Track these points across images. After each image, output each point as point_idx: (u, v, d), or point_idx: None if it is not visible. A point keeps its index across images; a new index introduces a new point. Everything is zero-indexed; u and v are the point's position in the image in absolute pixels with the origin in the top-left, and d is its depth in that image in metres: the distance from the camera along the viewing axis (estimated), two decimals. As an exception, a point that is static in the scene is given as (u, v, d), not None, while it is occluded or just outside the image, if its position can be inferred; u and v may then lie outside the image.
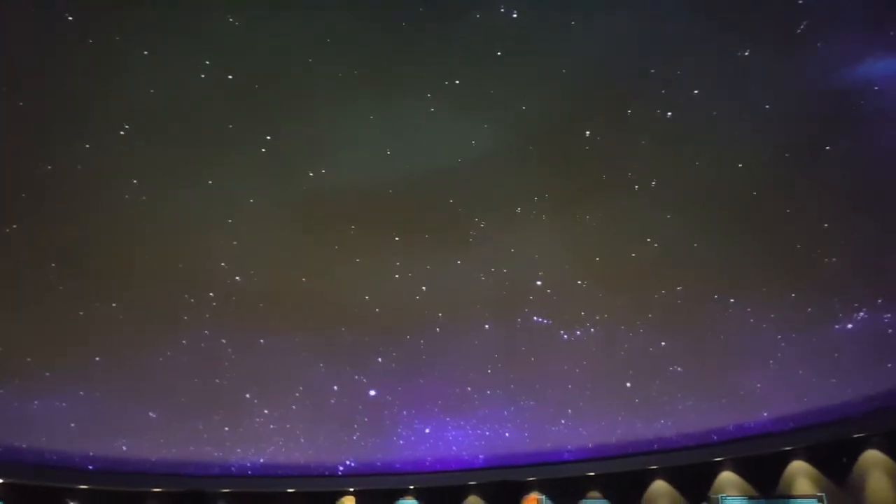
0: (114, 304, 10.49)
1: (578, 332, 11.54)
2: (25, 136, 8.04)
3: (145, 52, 8.10)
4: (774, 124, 8.05)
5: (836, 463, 11.28)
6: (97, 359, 11.13)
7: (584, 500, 13.57)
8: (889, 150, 7.60)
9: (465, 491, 14.42)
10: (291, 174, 9.84)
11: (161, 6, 7.77)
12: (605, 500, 13.41)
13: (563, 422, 12.53)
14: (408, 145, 9.71)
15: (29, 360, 10.58)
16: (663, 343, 10.80)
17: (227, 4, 8.14)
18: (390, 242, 10.85)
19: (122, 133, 8.79)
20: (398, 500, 14.55)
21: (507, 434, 13.30)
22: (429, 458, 13.65)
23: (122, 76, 8.35)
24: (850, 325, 9.87)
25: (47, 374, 10.86)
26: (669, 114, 7.73)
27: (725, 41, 7.50)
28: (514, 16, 8.23)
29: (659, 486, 12.89)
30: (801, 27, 6.81)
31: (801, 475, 11.56)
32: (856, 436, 10.91)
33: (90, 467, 12.48)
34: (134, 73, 8.41)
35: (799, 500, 11.43)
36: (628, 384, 11.53)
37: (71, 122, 8.43)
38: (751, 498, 11.93)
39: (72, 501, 12.71)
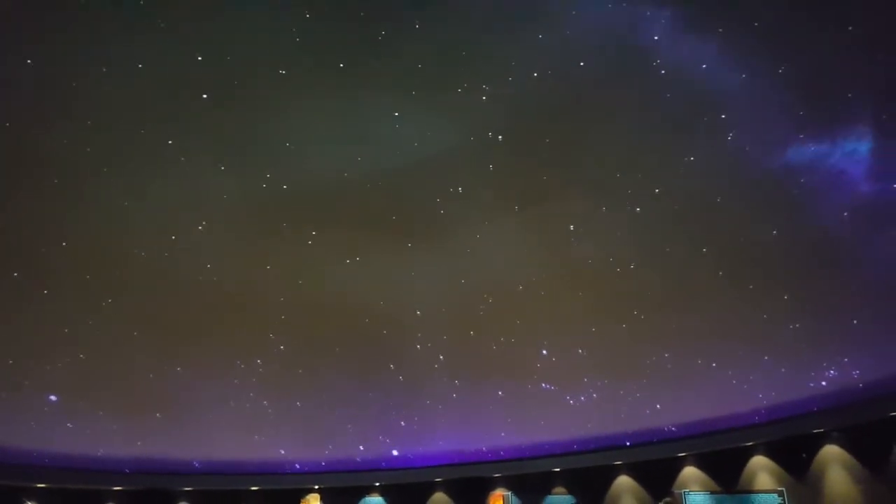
0: (71, 303, 10.32)
1: (543, 333, 11.54)
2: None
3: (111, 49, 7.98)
4: (723, 216, 8.71)
5: (795, 458, 11.34)
6: (54, 356, 10.94)
7: (549, 496, 13.54)
8: (826, 222, 8.22)
9: (431, 488, 14.34)
10: (256, 171, 9.74)
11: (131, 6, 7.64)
12: (570, 496, 13.40)
13: (527, 418, 12.50)
14: (375, 143, 9.65)
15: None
16: (630, 340, 10.82)
17: (196, 5, 8.05)
18: (356, 240, 10.78)
19: (87, 126, 8.66)
20: (363, 497, 14.45)
21: (472, 432, 13.26)
22: (394, 456, 13.57)
23: (89, 72, 8.22)
24: (823, 383, 10.13)
25: (5, 370, 10.65)
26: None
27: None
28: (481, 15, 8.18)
29: (623, 481, 12.89)
30: (731, 135, 7.82)
31: (761, 470, 11.61)
32: (815, 431, 10.97)
33: (48, 465, 12.24)
34: (101, 69, 8.28)
35: (760, 494, 11.48)
36: (595, 382, 11.53)
37: (37, 118, 8.25)
38: (713, 493, 11.96)
39: (29, 501, 12.46)
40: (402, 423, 13.08)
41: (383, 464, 13.72)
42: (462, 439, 13.06)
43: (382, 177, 9.96)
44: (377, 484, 14.33)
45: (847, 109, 7.28)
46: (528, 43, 7.74)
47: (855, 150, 7.53)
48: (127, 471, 12.94)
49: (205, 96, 8.77)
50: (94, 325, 10.76)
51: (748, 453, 11.76)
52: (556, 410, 11.93)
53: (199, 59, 8.40)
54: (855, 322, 9.20)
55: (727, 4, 6.98)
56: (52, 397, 11.21)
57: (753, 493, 11.55)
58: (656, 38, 7.36)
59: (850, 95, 7.13)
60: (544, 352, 11.51)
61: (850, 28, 6.66)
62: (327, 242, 10.67)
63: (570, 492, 13.43)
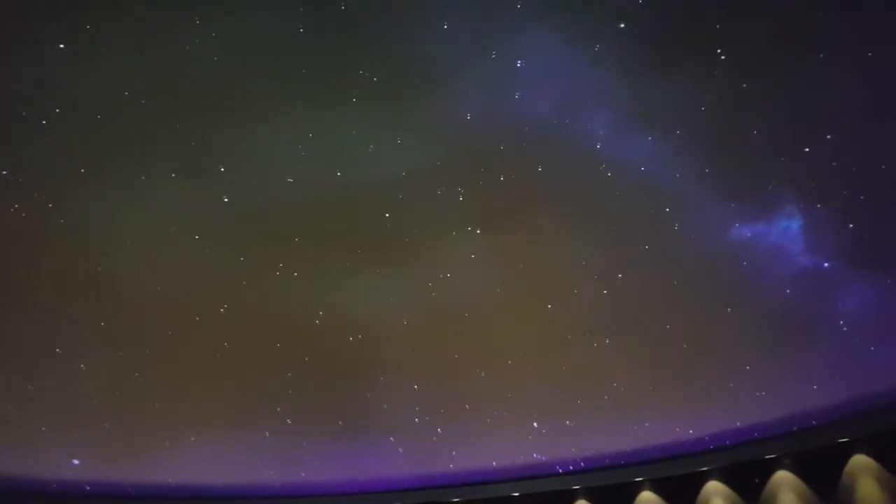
0: (21, 314, 10.07)
1: (508, 352, 11.52)
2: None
3: (62, 46, 7.85)
4: (682, 296, 9.65)
5: (748, 483, 11.45)
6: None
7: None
8: (775, 296, 9.16)
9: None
10: (215, 186, 9.66)
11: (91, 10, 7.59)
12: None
13: (483, 442, 12.43)
14: (340, 160, 9.64)
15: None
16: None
17: (160, 19, 8.03)
18: (320, 257, 10.70)
19: (36, 139, 8.53)
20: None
21: (438, 453, 13.13)
22: (352, 480, 13.38)
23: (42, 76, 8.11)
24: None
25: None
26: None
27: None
28: (446, 28, 8.22)
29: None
30: (677, 225, 8.72)
31: (715, 495, 11.69)
32: (767, 457, 11.12)
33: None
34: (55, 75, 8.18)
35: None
36: (545, 410, 11.51)
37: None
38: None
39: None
40: (367, 443, 12.93)
41: (349, 487, 13.52)
42: (418, 460, 12.94)
43: (346, 193, 9.94)
44: (336, 508, 14.10)
45: (773, 196, 8.30)
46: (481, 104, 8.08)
47: (788, 228, 8.55)
48: (74, 494, 12.57)
49: (163, 110, 8.70)
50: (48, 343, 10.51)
51: (702, 478, 11.85)
52: (512, 436, 11.91)
53: (162, 73, 8.35)
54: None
55: (655, 110, 7.85)
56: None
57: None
58: (600, 133, 8.27)
59: (770, 188, 8.25)
60: (508, 374, 11.48)
61: (755, 132, 7.72)
62: (288, 259, 10.60)
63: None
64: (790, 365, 9.92)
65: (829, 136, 7.52)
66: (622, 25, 7.24)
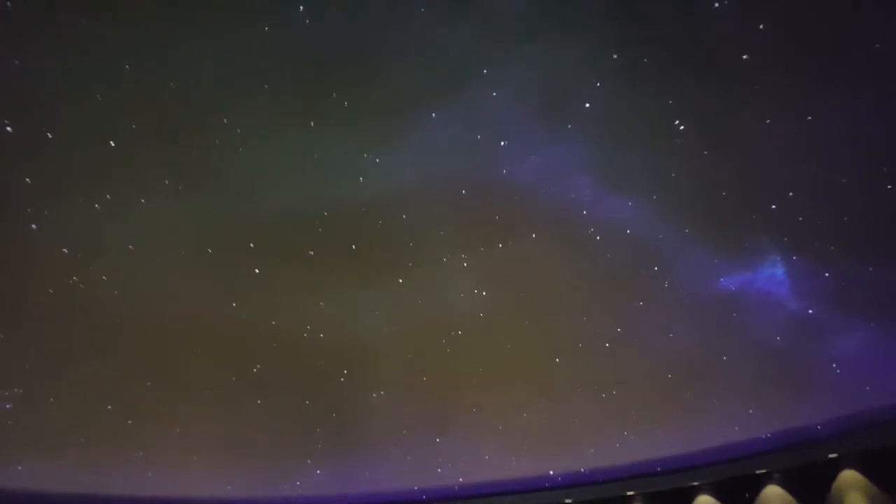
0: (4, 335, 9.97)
1: (502, 369, 11.47)
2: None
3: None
4: (676, 347, 10.06)
5: (738, 498, 11.47)
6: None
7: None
8: (767, 344, 9.64)
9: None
10: (206, 202, 9.60)
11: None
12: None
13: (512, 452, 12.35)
14: (332, 179, 9.58)
15: None
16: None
17: (154, 38, 7.98)
18: (307, 273, 10.63)
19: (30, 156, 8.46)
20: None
21: (423, 470, 13.08)
22: (342, 495, 13.32)
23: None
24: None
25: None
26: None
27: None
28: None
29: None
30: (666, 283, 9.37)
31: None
32: (758, 472, 11.13)
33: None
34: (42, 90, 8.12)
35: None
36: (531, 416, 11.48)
37: None
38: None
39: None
40: (358, 458, 12.87)
41: (338, 500, 13.45)
42: (402, 469, 12.89)
43: (336, 211, 9.87)
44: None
45: (752, 249, 8.79)
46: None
47: (773, 274, 8.93)
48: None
49: (157, 128, 8.65)
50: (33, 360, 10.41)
51: (692, 494, 11.85)
52: (501, 449, 11.89)
53: (154, 86, 8.30)
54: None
55: (631, 177, 8.43)
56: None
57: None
58: (585, 199, 8.78)
59: (746, 244, 8.77)
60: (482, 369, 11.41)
61: (723, 193, 8.22)
62: (280, 275, 10.53)
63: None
64: (785, 407, 10.31)
65: (791, 194, 8.00)
66: (587, 105, 7.79)
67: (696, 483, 11.65)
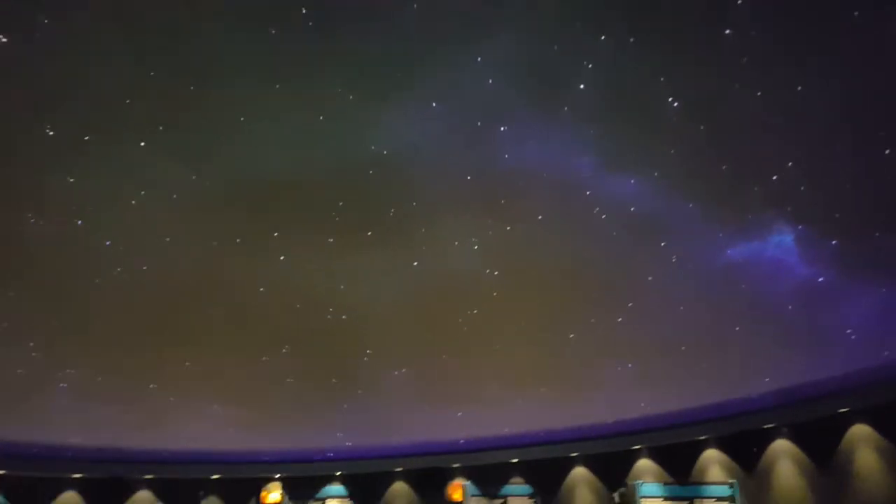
0: (11, 293, 10.19)
1: (499, 325, 11.50)
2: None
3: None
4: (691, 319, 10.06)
5: (746, 451, 11.48)
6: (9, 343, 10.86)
7: (506, 486, 13.67)
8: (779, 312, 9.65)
9: (391, 478, 14.46)
10: (211, 164, 9.57)
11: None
12: (527, 486, 13.54)
13: (485, 409, 12.56)
14: (334, 138, 9.47)
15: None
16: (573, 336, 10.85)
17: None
18: (314, 238, 10.64)
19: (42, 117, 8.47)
20: (325, 486, 14.54)
21: (432, 422, 13.32)
22: (353, 446, 13.64)
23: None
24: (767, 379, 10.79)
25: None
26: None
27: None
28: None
29: (579, 472, 13.03)
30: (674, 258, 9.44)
31: (713, 463, 11.76)
32: (766, 426, 11.11)
33: (4, 453, 12.25)
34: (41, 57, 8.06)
35: (712, 486, 11.62)
36: (550, 378, 11.58)
37: None
38: (666, 483, 12.10)
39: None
40: (361, 413, 13.12)
41: (344, 454, 13.79)
42: (421, 430, 13.13)
43: (340, 172, 9.81)
44: (338, 473, 14.43)
45: (757, 220, 8.76)
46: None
47: (782, 241, 8.88)
48: (88, 459, 12.99)
49: (160, 86, 8.56)
50: (47, 318, 10.66)
51: (701, 447, 11.90)
52: (514, 404, 11.99)
53: (157, 47, 8.19)
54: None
55: (630, 154, 8.46)
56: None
57: (705, 484, 11.70)
58: (587, 177, 8.81)
59: (750, 216, 8.75)
60: (498, 346, 11.51)
61: (723, 167, 8.20)
62: (285, 238, 10.55)
63: (527, 482, 13.57)
64: (797, 368, 10.29)
65: (789, 164, 7.94)
66: (581, 87, 7.89)
67: (703, 437, 11.69)
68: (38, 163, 8.87)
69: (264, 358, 12.03)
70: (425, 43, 7.79)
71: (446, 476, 14.09)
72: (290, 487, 14.32)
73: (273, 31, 8.32)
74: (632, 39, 7.23)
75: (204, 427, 13.10)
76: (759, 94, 7.40)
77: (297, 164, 9.53)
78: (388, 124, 8.66)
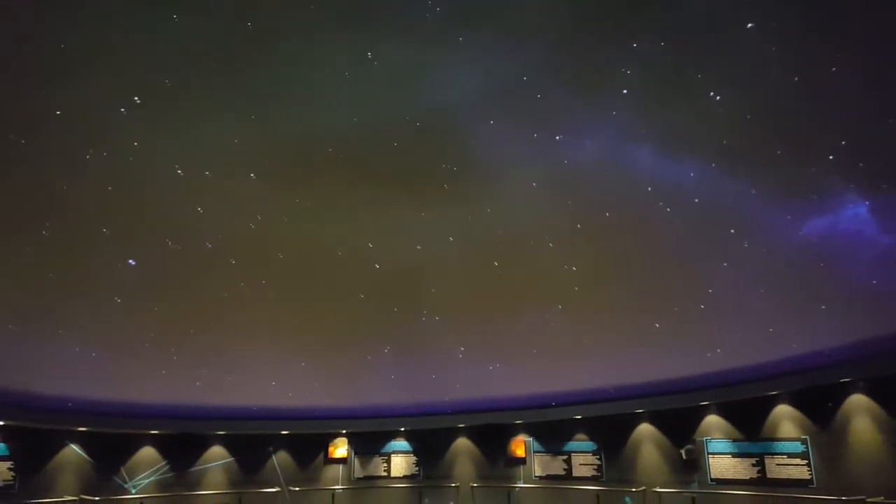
0: (104, 255, 10.50)
1: (563, 287, 11.43)
2: (27, 85, 7.96)
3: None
4: (770, 303, 10.21)
5: (821, 407, 11.24)
6: (92, 306, 11.25)
7: (570, 442, 13.75)
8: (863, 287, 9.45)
9: (455, 433, 14.67)
10: (269, 123, 9.64)
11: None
12: (591, 442, 13.58)
13: (548, 365, 12.57)
14: (389, 95, 9.42)
15: (29, 305, 10.68)
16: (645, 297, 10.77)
17: None
18: (378, 193, 10.68)
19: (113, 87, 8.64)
20: (390, 441, 14.86)
21: (496, 377, 13.41)
22: (418, 403, 13.86)
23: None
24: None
25: (47, 319, 11.01)
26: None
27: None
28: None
29: (645, 428, 12.99)
30: (746, 243, 9.62)
31: (785, 419, 11.56)
32: (841, 380, 10.82)
33: (89, 411, 12.82)
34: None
35: (783, 442, 11.46)
36: (614, 335, 11.50)
37: (70, 76, 8.27)
38: (735, 440, 11.99)
39: (72, 443, 13.13)
40: (426, 371, 13.28)
41: (408, 410, 14.02)
42: (484, 386, 13.24)
43: (397, 129, 9.77)
44: (402, 429, 14.71)
45: (825, 194, 8.72)
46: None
47: (857, 213, 8.67)
48: (163, 416, 13.50)
49: (213, 46, 8.59)
50: (129, 280, 10.98)
51: (772, 402, 11.69)
52: (578, 359, 11.96)
53: (209, 6, 8.20)
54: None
55: (685, 144, 8.76)
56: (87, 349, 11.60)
57: (776, 440, 11.55)
58: (646, 168, 9.15)
59: (814, 196, 8.77)
60: (559, 306, 11.44)
61: (778, 152, 8.34)
62: (344, 194, 10.61)
63: (591, 438, 13.61)
64: (876, 325, 9.99)
65: (843, 143, 7.99)
66: (625, 92, 8.38)
67: (775, 392, 11.49)
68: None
69: (331, 316, 12.25)
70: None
71: (509, 432, 14.25)
72: (355, 443, 14.71)
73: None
74: (662, 44, 7.70)
75: (272, 385, 13.48)
76: (795, 79, 7.56)
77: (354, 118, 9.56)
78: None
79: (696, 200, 9.24)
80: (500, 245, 11.08)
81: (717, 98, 7.96)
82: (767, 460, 11.58)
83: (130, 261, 10.64)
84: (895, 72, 7.19)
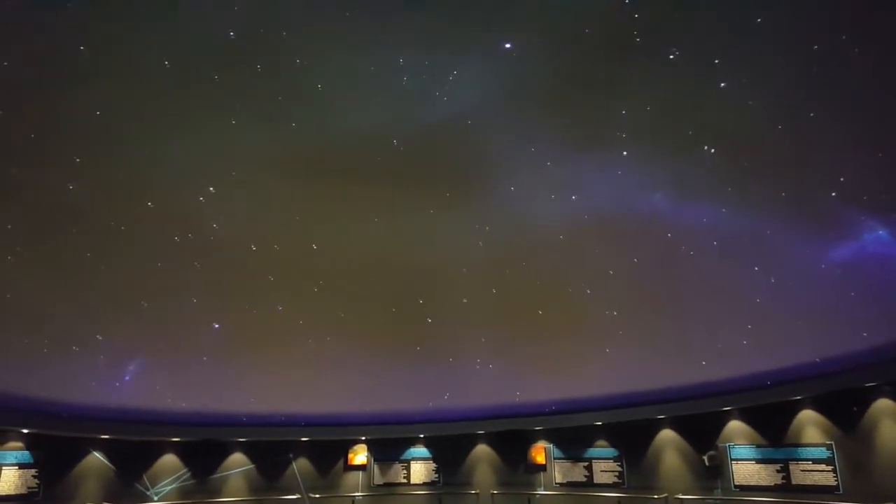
0: (123, 263, 10.62)
1: (578, 290, 11.42)
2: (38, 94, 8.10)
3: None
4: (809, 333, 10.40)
5: (846, 412, 11.11)
6: (112, 313, 11.36)
7: (591, 449, 13.67)
8: None
9: (475, 440, 14.64)
10: (293, 128, 9.73)
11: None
12: (612, 449, 13.50)
13: (571, 372, 12.53)
14: (410, 97, 9.49)
15: (54, 313, 10.79)
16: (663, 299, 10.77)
17: None
18: (394, 197, 10.73)
19: (125, 86, 8.77)
20: (409, 448, 14.84)
21: (516, 384, 13.39)
22: (437, 409, 13.84)
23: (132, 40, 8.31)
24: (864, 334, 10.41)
25: (76, 327, 11.14)
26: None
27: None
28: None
29: (666, 434, 12.90)
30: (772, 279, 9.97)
31: (810, 424, 11.43)
32: (866, 385, 10.70)
33: (110, 418, 12.90)
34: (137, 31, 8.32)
35: (808, 448, 11.34)
36: (633, 338, 11.46)
37: (83, 83, 8.41)
38: (759, 446, 11.87)
39: (95, 451, 13.22)
40: (445, 377, 13.28)
41: (427, 416, 14.01)
42: (503, 393, 13.21)
43: (418, 130, 9.83)
44: (422, 436, 14.69)
45: (844, 223, 8.97)
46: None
47: (878, 236, 8.89)
48: (184, 423, 13.56)
49: (240, 49, 8.71)
50: (150, 287, 11.08)
51: (796, 407, 11.58)
52: (598, 365, 11.92)
53: (235, 10, 8.30)
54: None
55: (698, 186, 9.17)
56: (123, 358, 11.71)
57: (801, 446, 11.42)
58: (665, 214, 9.72)
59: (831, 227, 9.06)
60: (585, 307, 11.42)
61: (784, 193, 8.83)
62: (365, 198, 10.68)
63: (612, 445, 13.53)
64: None
65: (851, 166, 8.24)
66: (624, 153, 9.18)
67: (798, 397, 11.38)
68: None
69: (350, 324, 12.29)
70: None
71: (529, 438, 14.19)
72: (374, 449, 14.71)
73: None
74: (648, 108, 8.38)
75: (292, 391, 13.52)
76: (779, 127, 8.08)
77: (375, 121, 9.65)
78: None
79: (715, 243, 9.72)
80: (536, 284, 11.30)
81: (712, 151, 8.60)
82: (792, 466, 11.46)
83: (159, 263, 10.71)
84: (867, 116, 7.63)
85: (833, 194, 8.48)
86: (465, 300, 11.89)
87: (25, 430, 12.13)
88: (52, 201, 9.38)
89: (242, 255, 11.05)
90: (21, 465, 12.30)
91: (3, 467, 12.11)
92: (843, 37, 7.03)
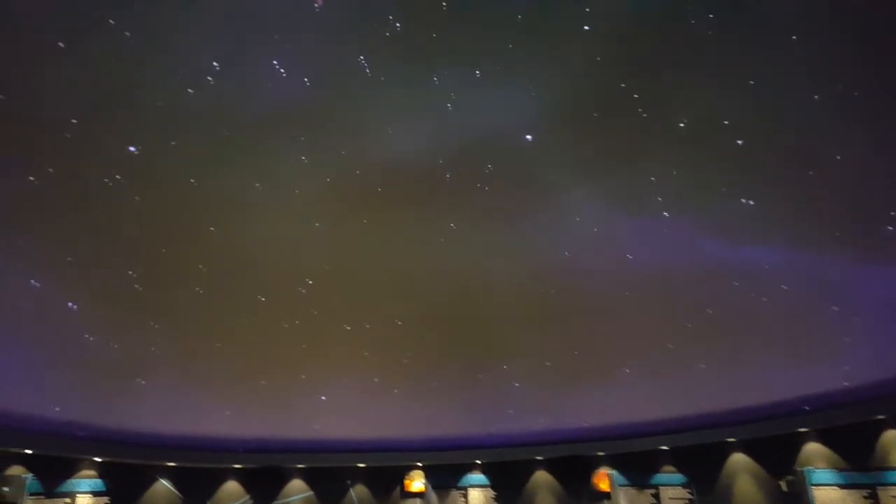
0: (180, 289, 10.93)
1: (640, 306, 11.03)
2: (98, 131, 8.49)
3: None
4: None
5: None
6: (172, 343, 11.71)
7: (657, 475, 13.03)
8: None
9: (533, 466, 14.22)
10: (336, 151, 9.85)
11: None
12: (680, 475, 12.83)
13: (631, 393, 12.04)
14: (453, 118, 9.49)
15: (117, 346, 11.23)
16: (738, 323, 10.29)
17: None
18: (435, 218, 10.69)
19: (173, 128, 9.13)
20: (466, 474, 14.55)
21: (574, 408, 12.96)
22: (496, 434, 13.55)
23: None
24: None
25: (132, 357, 11.55)
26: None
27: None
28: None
29: (738, 458, 12.17)
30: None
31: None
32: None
33: (177, 446, 13.27)
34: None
35: (896, 472, 10.46)
36: (704, 356, 10.95)
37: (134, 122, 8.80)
38: (841, 470, 11.02)
39: (162, 478, 13.58)
40: (502, 400, 13.01)
41: (484, 442, 13.74)
42: (563, 416, 12.82)
43: (462, 150, 9.78)
44: (479, 462, 14.41)
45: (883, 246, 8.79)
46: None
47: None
48: (243, 450, 13.80)
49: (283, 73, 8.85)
50: (209, 313, 11.35)
51: (880, 427, 10.70)
52: (663, 385, 11.41)
53: (276, 37, 8.49)
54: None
55: (745, 229, 9.07)
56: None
57: (888, 469, 10.53)
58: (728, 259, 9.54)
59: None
60: (645, 328, 10.99)
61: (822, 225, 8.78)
62: (415, 220, 10.67)
63: (680, 470, 12.86)
64: None
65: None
66: (659, 199, 9.06)
67: (883, 416, 10.53)
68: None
69: (406, 348, 12.23)
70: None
71: (591, 464, 13.68)
72: (432, 476, 14.50)
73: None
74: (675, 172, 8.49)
75: (350, 418, 13.54)
76: (838, 157, 7.85)
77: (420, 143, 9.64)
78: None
79: (785, 287, 9.54)
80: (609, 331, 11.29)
81: (750, 203, 8.62)
82: (881, 492, 10.55)
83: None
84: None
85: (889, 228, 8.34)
86: (521, 319, 11.64)
87: (99, 459, 12.58)
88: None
89: (301, 283, 11.17)
90: (95, 493, 12.74)
91: (78, 495, 12.57)
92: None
